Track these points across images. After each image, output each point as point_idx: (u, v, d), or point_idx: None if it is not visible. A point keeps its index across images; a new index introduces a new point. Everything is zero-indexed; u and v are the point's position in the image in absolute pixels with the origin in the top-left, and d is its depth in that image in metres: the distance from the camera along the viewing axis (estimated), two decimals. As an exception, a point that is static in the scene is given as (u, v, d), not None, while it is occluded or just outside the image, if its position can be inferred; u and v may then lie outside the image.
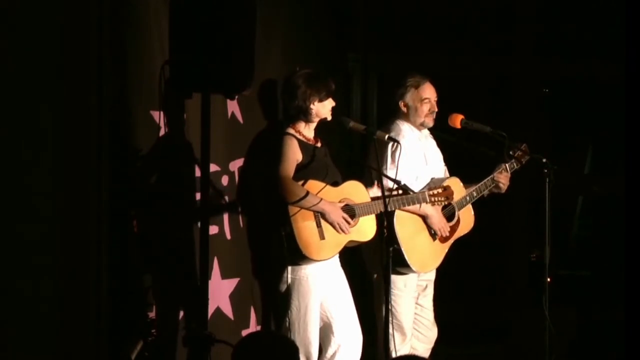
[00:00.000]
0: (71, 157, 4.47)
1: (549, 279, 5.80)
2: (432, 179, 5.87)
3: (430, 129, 6.01)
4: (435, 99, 5.94)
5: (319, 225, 5.33)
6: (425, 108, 5.90)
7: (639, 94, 6.08)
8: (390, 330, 5.57)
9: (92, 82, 4.54)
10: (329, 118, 5.49)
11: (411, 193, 5.49)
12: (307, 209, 5.29)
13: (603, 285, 7.43)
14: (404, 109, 5.92)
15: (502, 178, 5.98)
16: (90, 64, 4.53)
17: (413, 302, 5.93)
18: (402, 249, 5.66)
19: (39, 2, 4.35)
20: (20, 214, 4.27)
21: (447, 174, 6.04)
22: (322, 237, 5.33)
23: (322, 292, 5.43)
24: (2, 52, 4.18)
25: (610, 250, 7.39)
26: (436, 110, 5.92)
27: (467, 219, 5.97)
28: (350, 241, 5.45)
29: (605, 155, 7.80)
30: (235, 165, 5.63)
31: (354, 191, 5.48)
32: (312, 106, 5.43)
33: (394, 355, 5.63)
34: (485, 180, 5.95)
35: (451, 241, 5.92)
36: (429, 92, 5.92)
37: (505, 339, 7.40)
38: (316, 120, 5.48)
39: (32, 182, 4.32)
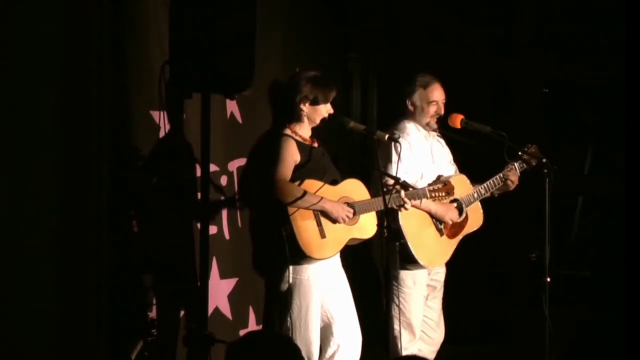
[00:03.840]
0: (71, 158, 4.47)
1: (549, 279, 5.80)
2: (438, 176, 5.87)
3: (440, 129, 6.01)
4: (444, 102, 5.94)
5: (319, 224, 5.33)
6: (432, 110, 5.92)
7: (639, 94, 6.09)
8: (398, 328, 5.58)
9: (92, 82, 4.54)
10: (317, 123, 5.48)
11: (411, 189, 5.50)
12: (307, 208, 5.29)
13: (603, 285, 7.43)
14: (411, 108, 5.94)
15: (512, 175, 5.96)
16: (90, 64, 4.53)
17: (423, 301, 5.92)
18: (409, 243, 5.67)
19: (39, 3, 4.35)
20: (20, 214, 4.26)
21: (458, 173, 6.05)
22: (322, 235, 5.34)
23: (323, 292, 5.43)
24: (2, 52, 4.18)
25: (610, 250, 7.39)
26: (442, 113, 5.93)
27: (475, 215, 5.98)
28: (352, 239, 5.46)
29: (605, 155, 7.80)
30: (234, 165, 5.63)
31: (353, 189, 5.49)
32: (302, 107, 5.43)
33: (402, 353, 5.64)
34: (494, 178, 5.95)
35: (460, 237, 5.93)
36: (437, 94, 5.92)
37: (505, 338, 7.40)
38: (307, 122, 5.47)
39: (32, 182, 4.32)
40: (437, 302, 6.04)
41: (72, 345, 4.47)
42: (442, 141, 6.09)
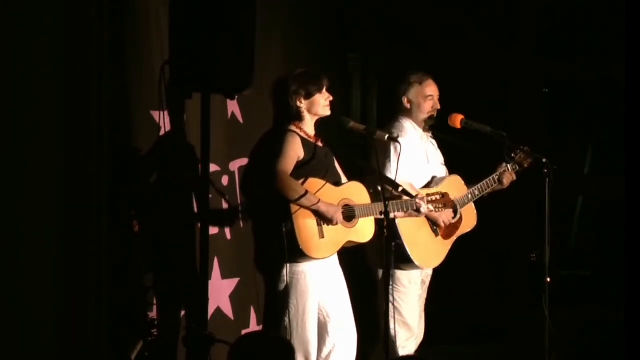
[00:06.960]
0: (71, 157, 4.47)
1: (549, 279, 5.80)
2: (433, 177, 5.90)
3: (431, 130, 6.03)
4: (438, 97, 5.96)
5: (319, 224, 5.34)
6: (429, 105, 5.94)
7: (639, 94, 6.08)
8: (395, 327, 5.59)
9: (92, 82, 4.54)
10: (326, 113, 5.48)
11: (411, 198, 5.51)
12: (305, 207, 5.29)
13: (603, 285, 7.43)
14: (407, 105, 5.95)
15: (505, 177, 5.98)
16: (90, 63, 4.53)
17: (418, 300, 5.94)
18: (405, 244, 5.68)
19: (39, 2, 4.35)
20: (21, 214, 4.26)
21: (452, 175, 6.05)
22: (321, 235, 5.34)
23: (320, 291, 5.44)
24: (1, 52, 4.18)
25: (610, 250, 7.39)
26: (439, 107, 5.95)
27: (469, 216, 5.99)
28: (349, 242, 5.46)
29: (605, 155, 7.80)
30: (236, 165, 5.63)
31: (355, 192, 5.50)
32: (299, 104, 5.43)
33: (400, 352, 5.65)
34: (488, 179, 5.95)
35: (454, 238, 5.94)
36: (432, 89, 5.95)
37: (505, 339, 7.40)
38: (310, 117, 5.47)
39: (32, 182, 4.31)
40: (420, 304, 6.04)
41: (72, 345, 4.46)
42: (435, 143, 6.10)
